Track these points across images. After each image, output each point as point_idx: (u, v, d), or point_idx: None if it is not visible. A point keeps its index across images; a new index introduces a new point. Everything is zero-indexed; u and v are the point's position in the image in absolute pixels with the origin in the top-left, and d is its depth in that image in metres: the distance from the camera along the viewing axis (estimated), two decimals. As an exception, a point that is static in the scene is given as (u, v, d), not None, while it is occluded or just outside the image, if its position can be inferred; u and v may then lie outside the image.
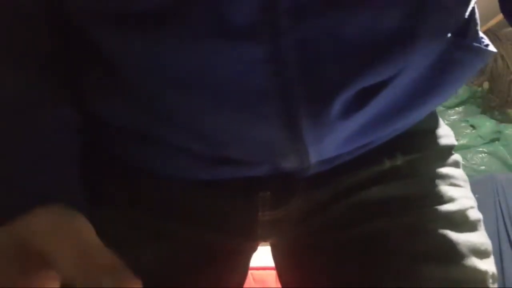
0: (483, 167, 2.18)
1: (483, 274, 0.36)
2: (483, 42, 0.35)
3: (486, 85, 2.24)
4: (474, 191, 0.41)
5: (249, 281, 1.35)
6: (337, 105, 0.30)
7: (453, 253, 0.35)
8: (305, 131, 0.31)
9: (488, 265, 0.37)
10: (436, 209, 0.37)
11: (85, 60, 0.34)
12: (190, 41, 0.27)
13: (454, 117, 2.23)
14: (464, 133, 2.18)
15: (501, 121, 2.20)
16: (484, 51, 0.35)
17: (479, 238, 0.37)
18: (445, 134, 0.42)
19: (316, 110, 0.30)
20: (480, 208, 0.40)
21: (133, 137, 0.36)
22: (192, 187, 0.37)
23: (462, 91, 2.23)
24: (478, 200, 0.41)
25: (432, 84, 0.34)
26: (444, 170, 0.39)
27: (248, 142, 0.33)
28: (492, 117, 2.20)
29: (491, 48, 0.35)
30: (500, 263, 1.95)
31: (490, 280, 0.36)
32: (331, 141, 0.33)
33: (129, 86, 0.33)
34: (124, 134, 0.36)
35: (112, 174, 0.38)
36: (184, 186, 0.37)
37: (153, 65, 0.30)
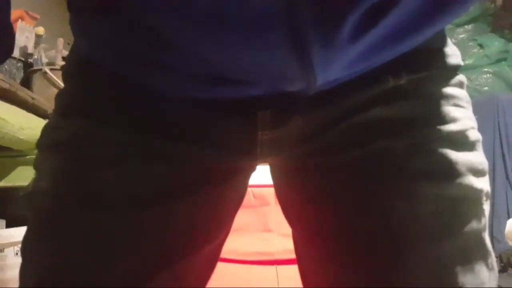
0: (486, 88, 2.16)
1: (478, 192, 0.37)
2: None
3: (499, 1, 2.13)
4: (475, 111, 0.41)
5: (249, 197, 1.41)
6: (348, 26, 0.28)
7: (452, 171, 0.35)
8: (314, 55, 0.30)
9: (483, 184, 0.37)
10: (438, 129, 0.36)
11: None
12: None
13: (462, 35, 2.16)
14: (471, 53, 2.13)
15: (510, 40, 2.14)
16: None
17: (477, 157, 0.38)
18: (452, 54, 0.40)
19: (326, 32, 0.28)
20: (480, 127, 0.40)
21: (130, 55, 0.35)
22: (190, 106, 0.37)
23: (473, 8, 2.14)
24: (478, 120, 0.40)
25: (444, 0, 0.32)
26: (448, 90, 0.38)
27: (252, 68, 0.32)
28: (501, 36, 2.13)
29: None
30: (492, 180, 2.02)
31: (484, 198, 0.37)
32: (339, 63, 0.32)
33: (125, 12, 0.31)
34: (121, 52, 0.35)
35: (110, 91, 0.38)
36: (183, 105, 0.37)
37: None
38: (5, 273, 1.03)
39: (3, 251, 1.04)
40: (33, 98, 1.17)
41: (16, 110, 1.09)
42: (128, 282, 0.35)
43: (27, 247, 0.38)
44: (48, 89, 1.40)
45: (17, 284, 0.37)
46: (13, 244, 1.06)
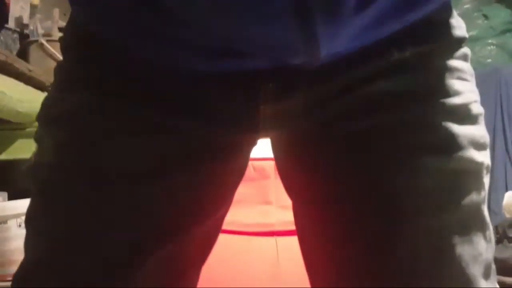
0: (489, 60, 2.14)
1: (479, 165, 0.37)
2: None
3: (506, -31, 2.07)
4: (477, 84, 0.41)
5: (249, 170, 1.41)
6: None
7: (453, 144, 0.35)
8: (319, 28, 0.29)
9: (484, 157, 0.37)
10: (442, 103, 0.36)
11: None
12: None
13: (467, 6, 2.11)
14: (476, 24, 2.09)
15: (516, 10, 2.09)
16: None
17: (479, 131, 0.38)
18: (457, 26, 0.40)
19: (331, 4, 0.28)
20: (481, 100, 0.40)
21: (130, 26, 0.34)
22: (192, 80, 0.36)
23: (479, -23, 2.08)
24: (480, 93, 0.40)
25: None
26: (452, 63, 0.38)
27: (255, 39, 0.31)
28: (508, 6, 2.08)
29: None
30: (492, 153, 2.04)
31: (485, 171, 0.38)
32: (343, 35, 0.31)
33: None
34: (124, 24, 0.35)
35: (110, 64, 0.37)
36: (184, 78, 0.36)
37: None
38: (9, 244, 1.05)
39: (6, 223, 1.06)
40: (30, 70, 1.16)
41: (13, 82, 1.08)
42: (130, 255, 0.35)
43: (31, 219, 0.38)
44: (45, 61, 1.38)
45: (21, 255, 0.38)
46: (16, 216, 1.07)
